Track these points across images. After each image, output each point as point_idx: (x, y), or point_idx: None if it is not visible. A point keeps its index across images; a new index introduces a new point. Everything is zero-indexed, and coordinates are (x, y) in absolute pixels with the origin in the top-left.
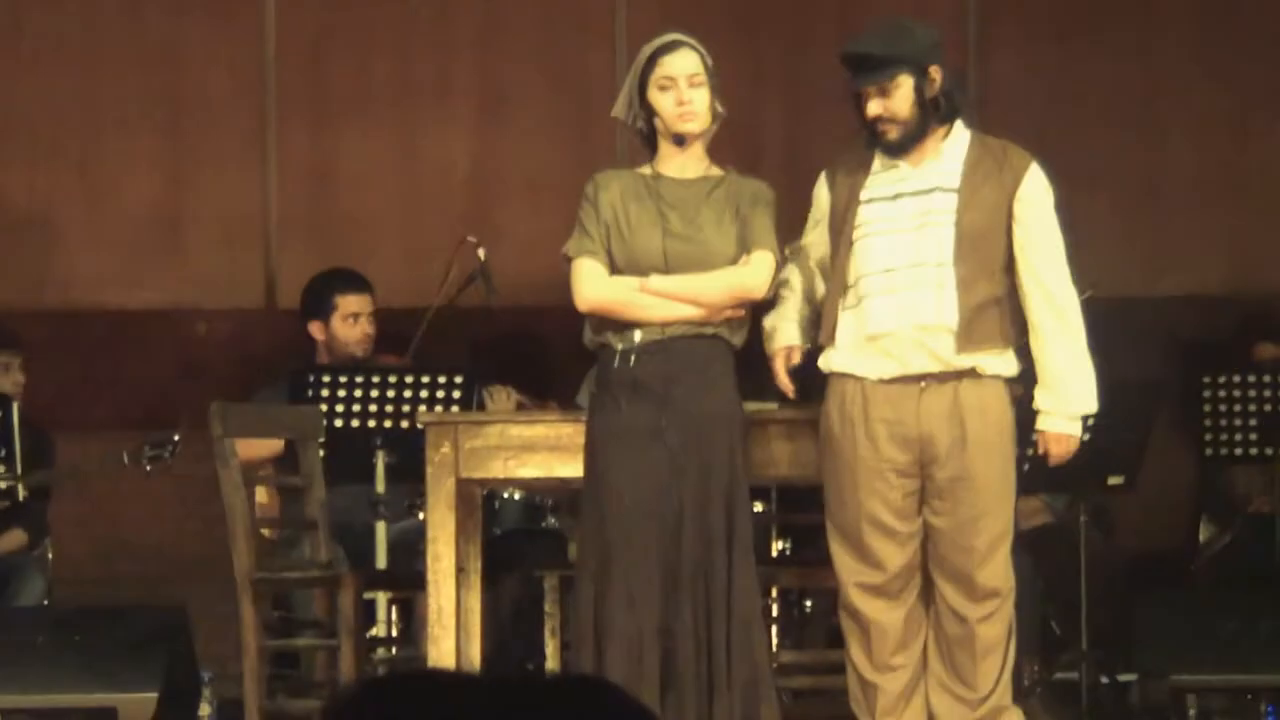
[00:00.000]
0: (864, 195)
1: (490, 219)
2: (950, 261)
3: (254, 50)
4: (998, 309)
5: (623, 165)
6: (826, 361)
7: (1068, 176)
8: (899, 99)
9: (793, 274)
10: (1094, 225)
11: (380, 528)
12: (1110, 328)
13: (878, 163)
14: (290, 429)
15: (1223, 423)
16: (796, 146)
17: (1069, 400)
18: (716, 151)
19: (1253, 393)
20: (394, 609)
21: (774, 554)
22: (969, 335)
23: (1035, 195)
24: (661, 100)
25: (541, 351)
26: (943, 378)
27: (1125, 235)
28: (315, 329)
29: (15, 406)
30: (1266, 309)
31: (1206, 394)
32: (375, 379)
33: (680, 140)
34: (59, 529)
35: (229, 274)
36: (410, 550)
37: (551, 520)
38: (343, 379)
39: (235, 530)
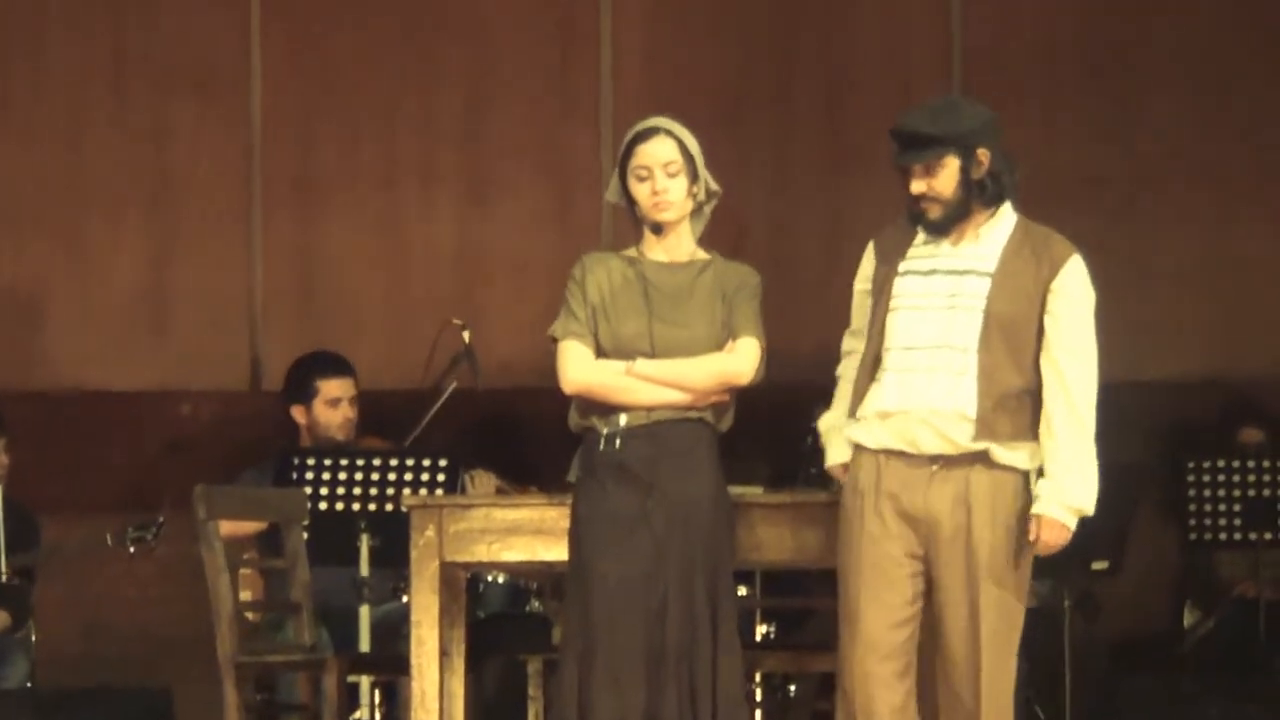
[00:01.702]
0: (902, 267)
1: (475, 302)
2: (975, 348)
3: (240, 132)
4: (1025, 401)
5: (609, 248)
6: (850, 433)
7: None
8: (943, 179)
9: (849, 360)
10: None
11: (364, 611)
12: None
13: (920, 235)
14: (274, 511)
15: (1207, 508)
16: (780, 232)
17: (1068, 492)
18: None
19: (1237, 478)
20: (377, 692)
21: (758, 638)
22: (988, 426)
23: (1069, 288)
24: (638, 190)
25: (526, 434)
26: (954, 461)
27: (1109, 320)
28: (297, 413)
29: None
30: (1250, 394)
31: (1190, 479)
32: (360, 462)
33: (657, 229)
34: (43, 610)
35: (214, 355)
36: (394, 633)
37: (535, 604)
38: (327, 461)
39: (219, 612)
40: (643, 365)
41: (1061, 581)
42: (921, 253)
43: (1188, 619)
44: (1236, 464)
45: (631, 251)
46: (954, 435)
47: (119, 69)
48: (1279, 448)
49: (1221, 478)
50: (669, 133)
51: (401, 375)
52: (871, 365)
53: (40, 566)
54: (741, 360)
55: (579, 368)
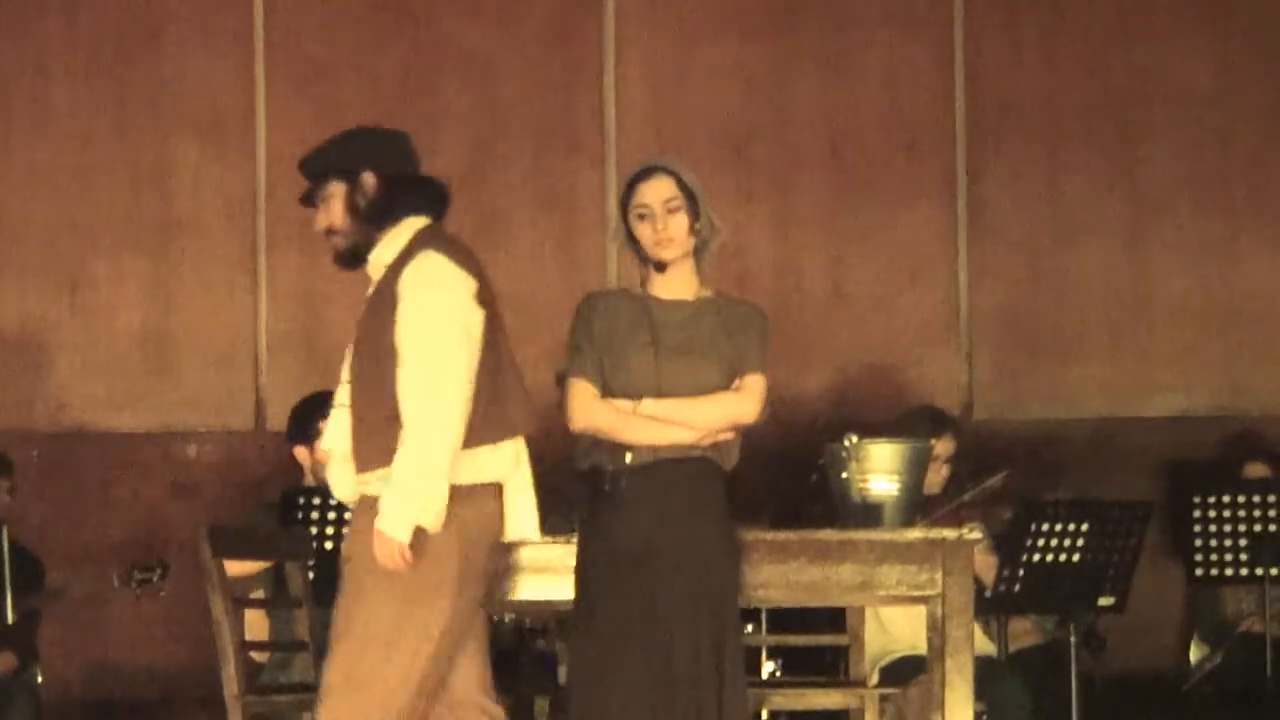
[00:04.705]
0: None
1: None
2: (350, 378)
3: (245, 174)
4: (397, 423)
5: (614, 286)
6: None
7: (1057, 298)
8: (334, 209)
9: None
10: (1083, 346)
11: None
12: (1100, 448)
13: None
14: (280, 551)
15: (1212, 543)
16: (784, 268)
17: (387, 503)
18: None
19: (1242, 512)
20: None
21: (764, 676)
22: (361, 456)
23: (405, 289)
24: (640, 229)
25: (532, 471)
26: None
27: (1114, 356)
28: (300, 454)
29: (4, 529)
30: (1255, 428)
31: (1196, 514)
32: None
33: (660, 267)
34: (48, 652)
35: (219, 396)
36: None
37: (541, 643)
38: (333, 501)
39: (224, 652)
40: (649, 404)
41: (1068, 617)
42: None
43: (1194, 655)
44: (1242, 499)
45: (637, 289)
46: (341, 479)
47: (123, 111)
48: None
49: (1227, 513)
50: (667, 170)
51: None
52: None
53: (45, 608)
54: (748, 399)
55: (585, 407)
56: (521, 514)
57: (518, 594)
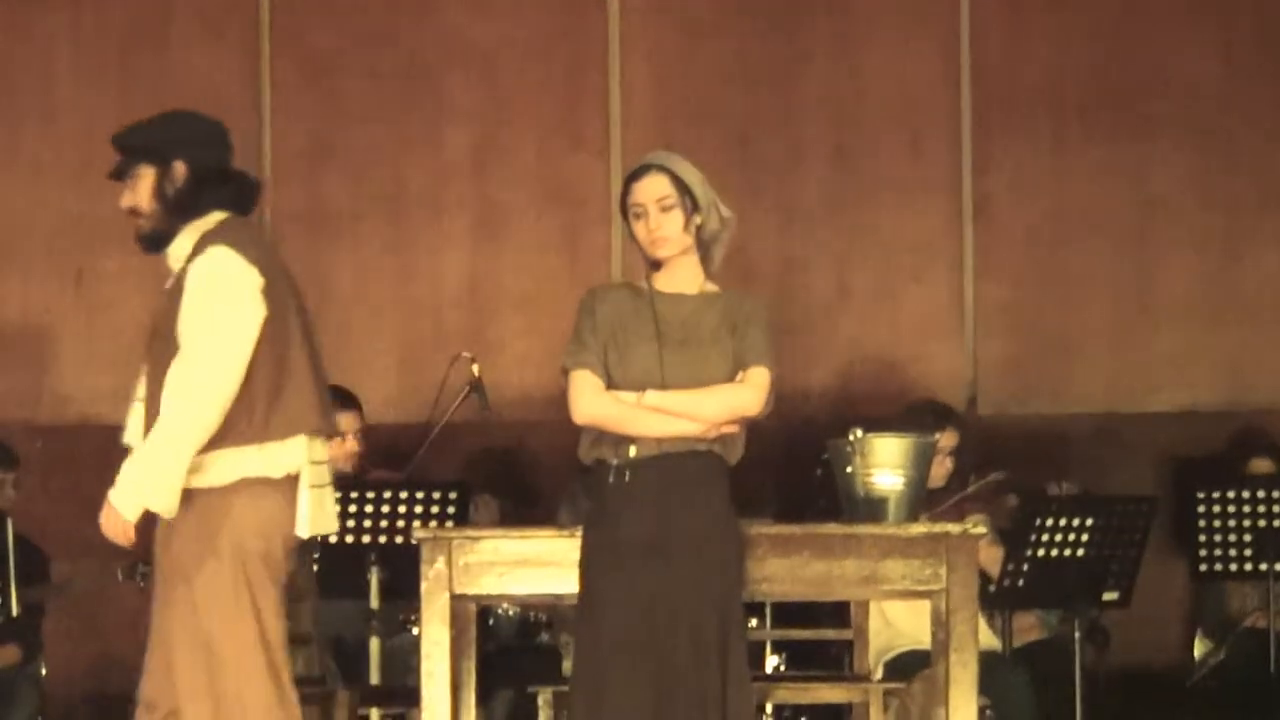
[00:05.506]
0: None
1: (484, 334)
2: (145, 372)
3: (248, 166)
4: None
5: (618, 280)
6: None
7: (1062, 292)
8: (141, 191)
9: None
10: (1088, 341)
11: (374, 643)
12: (1104, 443)
13: None
14: None
15: (1216, 538)
16: (788, 262)
17: (123, 479)
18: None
19: (1246, 508)
20: None
21: (768, 670)
22: None
23: (189, 282)
24: (635, 227)
25: (536, 465)
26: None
27: (1118, 351)
28: None
29: (8, 521)
30: (1259, 424)
31: (1200, 509)
32: (370, 494)
33: (656, 264)
34: (52, 645)
35: None
36: (404, 666)
37: (545, 636)
38: (337, 494)
39: None
40: (653, 396)
41: (1072, 612)
42: None
43: (1198, 650)
44: (1246, 494)
45: (642, 283)
46: None
47: (128, 106)
48: None
49: (1231, 508)
50: (661, 168)
51: (412, 409)
52: None
53: (49, 601)
54: (751, 390)
55: (590, 399)
56: (314, 511)
57: (520, 587)
